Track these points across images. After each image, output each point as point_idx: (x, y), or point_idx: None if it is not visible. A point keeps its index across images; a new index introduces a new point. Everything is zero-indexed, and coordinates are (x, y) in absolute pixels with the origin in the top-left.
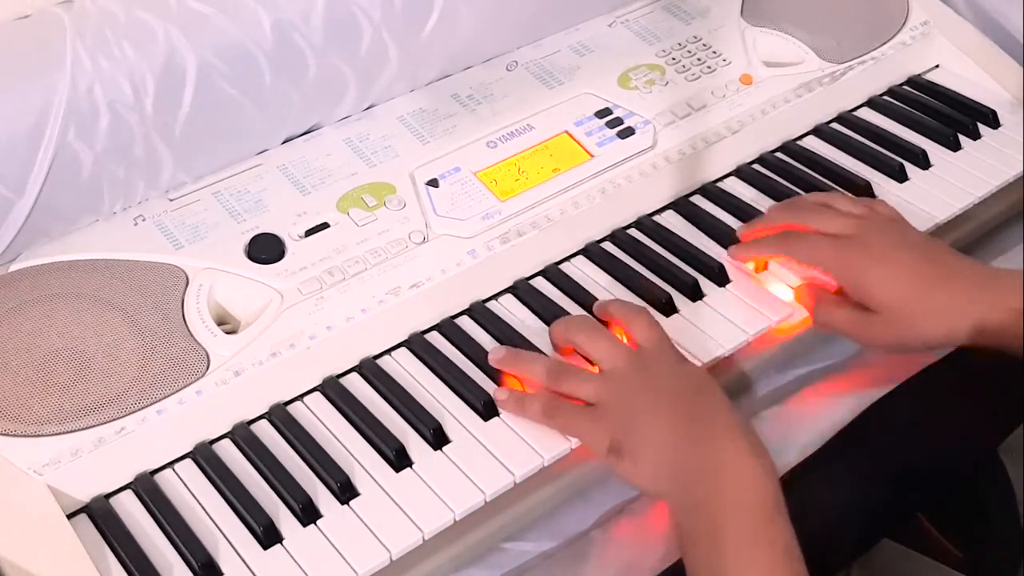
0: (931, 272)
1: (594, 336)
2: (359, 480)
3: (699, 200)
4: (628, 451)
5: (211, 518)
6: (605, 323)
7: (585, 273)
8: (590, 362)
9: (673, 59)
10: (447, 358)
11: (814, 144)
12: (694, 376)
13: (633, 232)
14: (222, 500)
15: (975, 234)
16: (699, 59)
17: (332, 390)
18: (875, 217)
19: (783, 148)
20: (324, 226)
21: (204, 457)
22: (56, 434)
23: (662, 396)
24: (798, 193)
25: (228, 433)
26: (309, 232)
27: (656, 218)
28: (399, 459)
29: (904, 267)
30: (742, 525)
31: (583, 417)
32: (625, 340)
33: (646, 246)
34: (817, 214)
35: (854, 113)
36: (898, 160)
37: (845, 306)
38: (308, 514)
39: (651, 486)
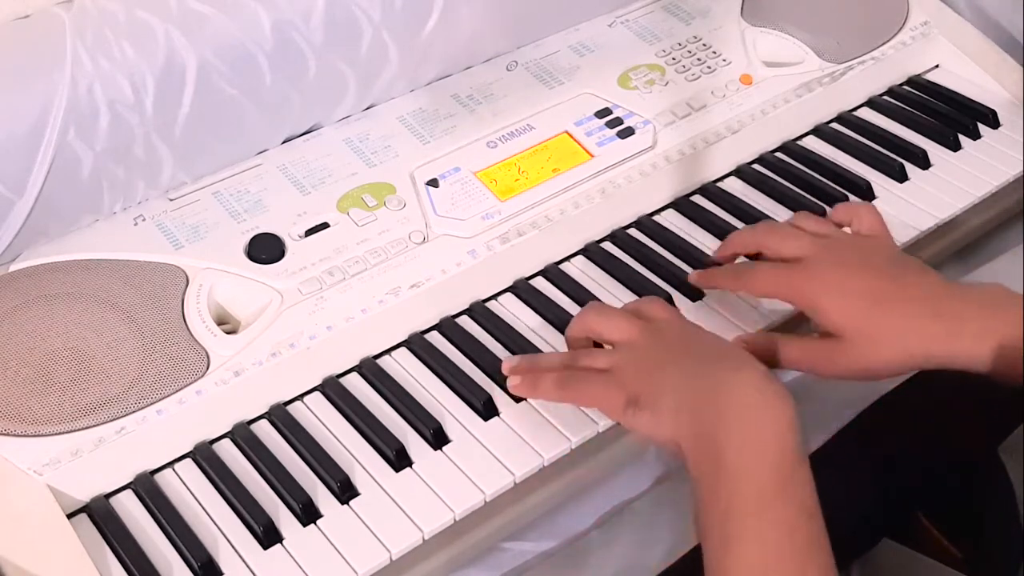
0: (888, 292)
1: (607, 315)
2: (359, 480)
3: (699, 200)
4: (646, 403)
5: (211, 518)
6: None
7: (585, 273)
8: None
9: (673, 59)
10: (447, 358)
11: (814, 144)
12: (712, 336)
13: (633, 232)
14: (222, 500)
15: (975, 234)
16: (699, 59)
17: (332, 390)
18: (837, 236)
19: (783, 148)
20: (324, 226)
21: (204, 457)
22: (56, 434)
23: (681, 352)
24: (798, 193)
25: (228, 433)
26: (309, 232)
27: (656, 218)
28: (399, 459)
29: (857, 289)
30: (762, 475)
31: (597, 381)
32: None
33: (646, 246)
34: (776, 236)
35: (854, 113)
36: (898, 160)
37: (800, 341)
38: (308, 514)
39: (670, 437)
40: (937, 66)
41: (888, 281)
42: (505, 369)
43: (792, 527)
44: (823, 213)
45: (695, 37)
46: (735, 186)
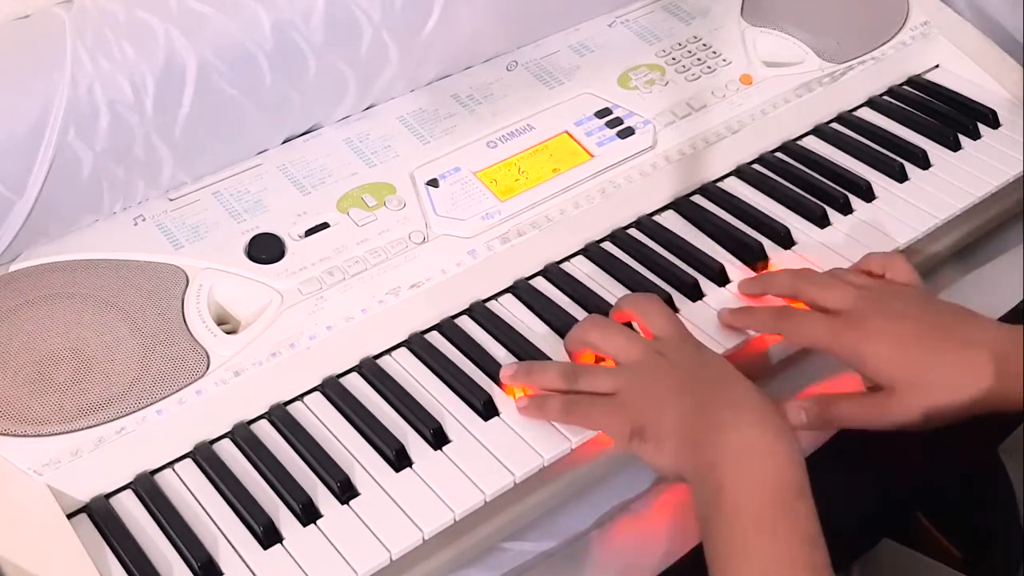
0: (936, 338)
1: (608, 332)
2: (359, 480)
3: (699, 200)
4: (651, 435)
5: (211, 518)
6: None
7: (585, 273)
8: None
9: (673, 59)
10: (447, 358)
11: (814, 144)
12: (715, 361)
13: (633, 232)
14: (222, 500)
15: (975, 234)
16: (699, 59)
17: (332, 390)
18: (878, 287)
19: (783, 148)
20: (324, 226)
21: (204, 457)
22: (56, 434)
23: (683, 380)
24: (798, 193)
25: (228, 433)
26: (309, 232)
27: (656, 218)
28: (399, 459)
29: (903, 337)
30: (762, 510)
31: (602, 407)
32: (641, 334)
33: (646, 246)
34: (817, 285)
35: (854, 113)
36: (898, 160)
37: (851, 398)
38: (308, 514)
39: (674, 470)
40: (937, 66)
41: (938, 328)
42: (504, 378)
43: (793, 558)
44: (823, 213)
45: (695, 37)
46: (735, 186)
